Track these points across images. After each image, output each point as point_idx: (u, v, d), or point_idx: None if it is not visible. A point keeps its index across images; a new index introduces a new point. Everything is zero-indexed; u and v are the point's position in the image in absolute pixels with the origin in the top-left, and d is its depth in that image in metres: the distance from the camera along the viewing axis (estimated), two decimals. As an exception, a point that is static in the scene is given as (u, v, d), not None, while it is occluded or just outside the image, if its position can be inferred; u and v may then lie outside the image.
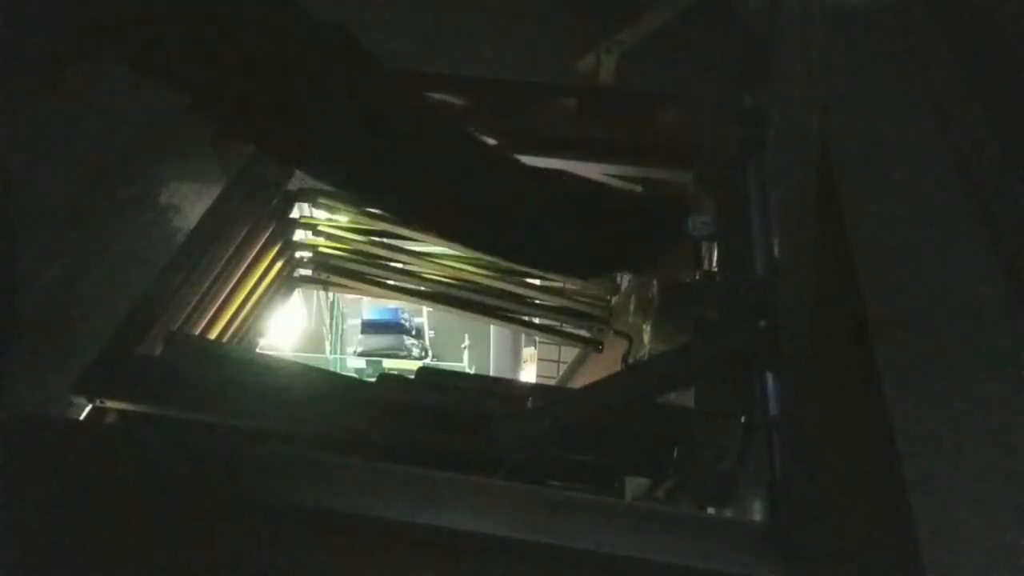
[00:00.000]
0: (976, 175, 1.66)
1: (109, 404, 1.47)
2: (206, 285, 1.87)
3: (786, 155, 0.85)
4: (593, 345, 2.48)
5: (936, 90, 1.92)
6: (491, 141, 2.16)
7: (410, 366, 24.06)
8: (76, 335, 1.63)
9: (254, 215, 2.10)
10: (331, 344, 25.03)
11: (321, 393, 1.55)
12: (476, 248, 1.94)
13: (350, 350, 23.64)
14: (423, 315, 24.67)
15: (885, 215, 1.63)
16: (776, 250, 1.28)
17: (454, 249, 2.43)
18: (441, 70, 2.18)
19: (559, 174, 1.87)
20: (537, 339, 6.78)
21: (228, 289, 2.01)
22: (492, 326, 6.86)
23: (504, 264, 2.36)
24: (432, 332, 25.35)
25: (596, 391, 1.49)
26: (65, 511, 1.17)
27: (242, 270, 2.08)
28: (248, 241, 2.10)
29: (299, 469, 1.27)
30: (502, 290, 2.49)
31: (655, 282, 2.03)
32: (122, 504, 1.18)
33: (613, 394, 1.48)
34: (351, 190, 1.88)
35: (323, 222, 2.58)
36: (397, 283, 2.62)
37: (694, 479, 1.39)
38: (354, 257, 2.58)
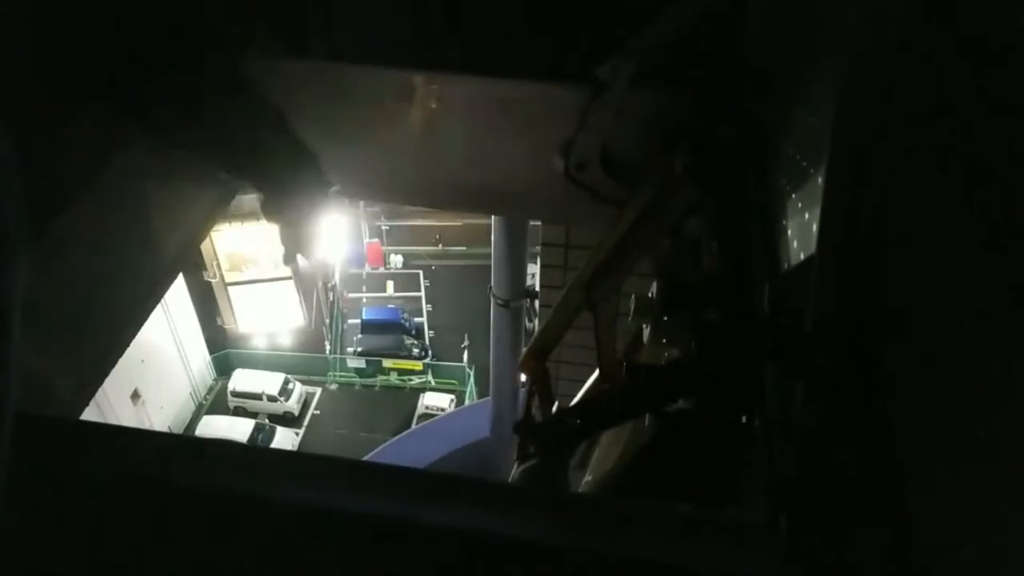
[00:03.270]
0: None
1: None
2: None
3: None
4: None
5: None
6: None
7: (410, 366, 24.13)
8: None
9: None
10: (331, 344, 25.05)
11: None
12: None
13: (349, 350, 23.76)
14: (423, 315, 24.81)
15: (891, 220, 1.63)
16: (784, 252, 1.28)
17: None
18: (453, 70, 2.17)
19: None
20: (537, 339, 6.76)
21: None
22: (491, 327, 6.86)
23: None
24: (432, 332, 25.36)
25: (606, 402, 1.51)
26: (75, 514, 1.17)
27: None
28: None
29: (298, 467, 1.27)
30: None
31: (655, 282, 2.03)
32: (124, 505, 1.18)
33: (624, 405, 1.50)
34: None
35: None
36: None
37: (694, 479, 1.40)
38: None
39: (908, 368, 1.24)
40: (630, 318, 1.91)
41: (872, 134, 1.09)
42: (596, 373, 1.95)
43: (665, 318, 1.82)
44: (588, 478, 1.97)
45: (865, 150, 1.10)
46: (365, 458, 8.83)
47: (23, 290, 0.75)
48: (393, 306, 24.02)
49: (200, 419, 20.77)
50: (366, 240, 25.42)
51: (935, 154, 1.07)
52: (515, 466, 1.81)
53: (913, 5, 1.05)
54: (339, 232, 24.66)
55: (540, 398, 1.90)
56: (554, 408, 1.86)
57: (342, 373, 22.94)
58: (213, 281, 21.88)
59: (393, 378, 22.69)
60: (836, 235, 1.13)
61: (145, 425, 18.22)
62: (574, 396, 2.08)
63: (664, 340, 1.85)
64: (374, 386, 22.75)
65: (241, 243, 21.12)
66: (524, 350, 2.07)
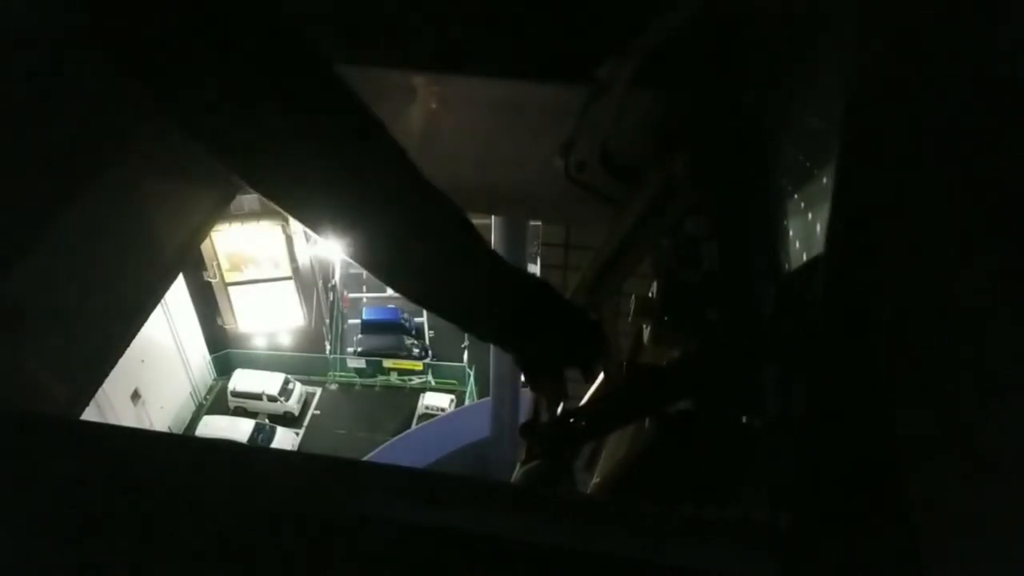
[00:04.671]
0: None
1: None
2: None
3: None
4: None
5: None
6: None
7: (410, 366, 24.11)
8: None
9: None
10: (331, 344, 25.07)
11: None
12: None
13: (350, 350, 23.76)
14: (423, 315, 24.80)
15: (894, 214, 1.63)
16: (785, 252, 1.27)
17: None
18: (453, 71, 2.17)
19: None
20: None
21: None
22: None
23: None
24: (432, 332, 25.38)
25: (610, 404, 1.52)
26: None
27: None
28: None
29: (298, 467, 1.27)
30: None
31: (655, 282, 2.03)
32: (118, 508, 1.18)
33: (627, 406, 1.51)
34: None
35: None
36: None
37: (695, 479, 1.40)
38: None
39: (909, 368, 1.24)
40: (630, 318, 1.91)
41: (883, 134, 1.09)
42: (602, 375, 1.95)
43: (665, 318, 1.83)
44: (596, 480, 1.97)
45: (876, 151, 1.10)
46: (365, 458, 8.83)
47: None
48: (393, 306, 24.03)
49: (200, 419, 20.76)
50: (366, 240, 25.37)
51: (946, 152, 1.07)
52: (517, 467, 1.81)
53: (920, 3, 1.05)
54: (339, 232, 24.63)
55: (547, 401, 1.91)
56: (559, 410, 1.87)
57: (342, 373, 22.94)
58: (213, 281, 21.88)
59: (393, 378, 22.69)
60: (844, 236, 1.13)
61: (145, 425, 18.21)
62: (576, 396, 2.08)
63: (664, 340, 1.85)
64: (374, 386, 22.75)
65: (241, 243, 21.14)
66: None
